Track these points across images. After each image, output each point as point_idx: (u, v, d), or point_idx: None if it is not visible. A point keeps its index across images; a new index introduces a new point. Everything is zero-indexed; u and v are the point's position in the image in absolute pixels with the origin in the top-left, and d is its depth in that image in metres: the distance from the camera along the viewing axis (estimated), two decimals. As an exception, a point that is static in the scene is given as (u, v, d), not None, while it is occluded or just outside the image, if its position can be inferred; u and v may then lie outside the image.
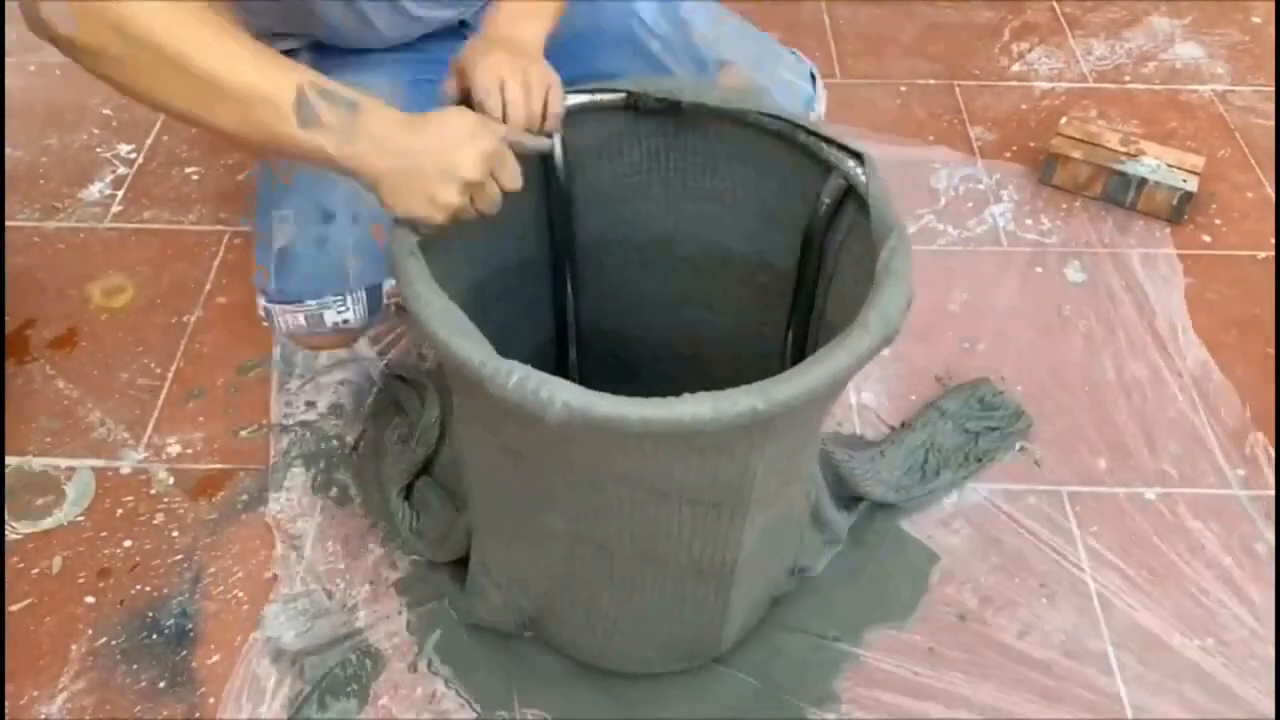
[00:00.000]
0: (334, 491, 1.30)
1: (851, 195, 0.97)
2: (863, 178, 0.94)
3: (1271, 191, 1.73)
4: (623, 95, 1.02)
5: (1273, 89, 1.93)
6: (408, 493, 1.26)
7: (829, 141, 0.97)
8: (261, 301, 1.14)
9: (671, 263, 1.16)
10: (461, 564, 1.17)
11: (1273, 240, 1.65)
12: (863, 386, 1.43)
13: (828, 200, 0.98)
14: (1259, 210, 1.70)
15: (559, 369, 1.21)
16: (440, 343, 0.81)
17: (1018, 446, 1.36)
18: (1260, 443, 1.37)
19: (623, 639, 1.08)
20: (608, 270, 1.17)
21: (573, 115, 1.02)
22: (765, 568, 1.08)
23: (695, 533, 0.92)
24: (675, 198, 1.11)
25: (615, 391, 0.77)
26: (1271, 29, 2.08)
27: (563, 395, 0.76)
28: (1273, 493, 1.31)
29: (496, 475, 0.98)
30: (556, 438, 0.81)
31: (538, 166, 1.03)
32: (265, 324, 1.16)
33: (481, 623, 1.16)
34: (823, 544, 1.22)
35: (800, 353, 1.11)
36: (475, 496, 1.05)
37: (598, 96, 1.03)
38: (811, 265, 1.04)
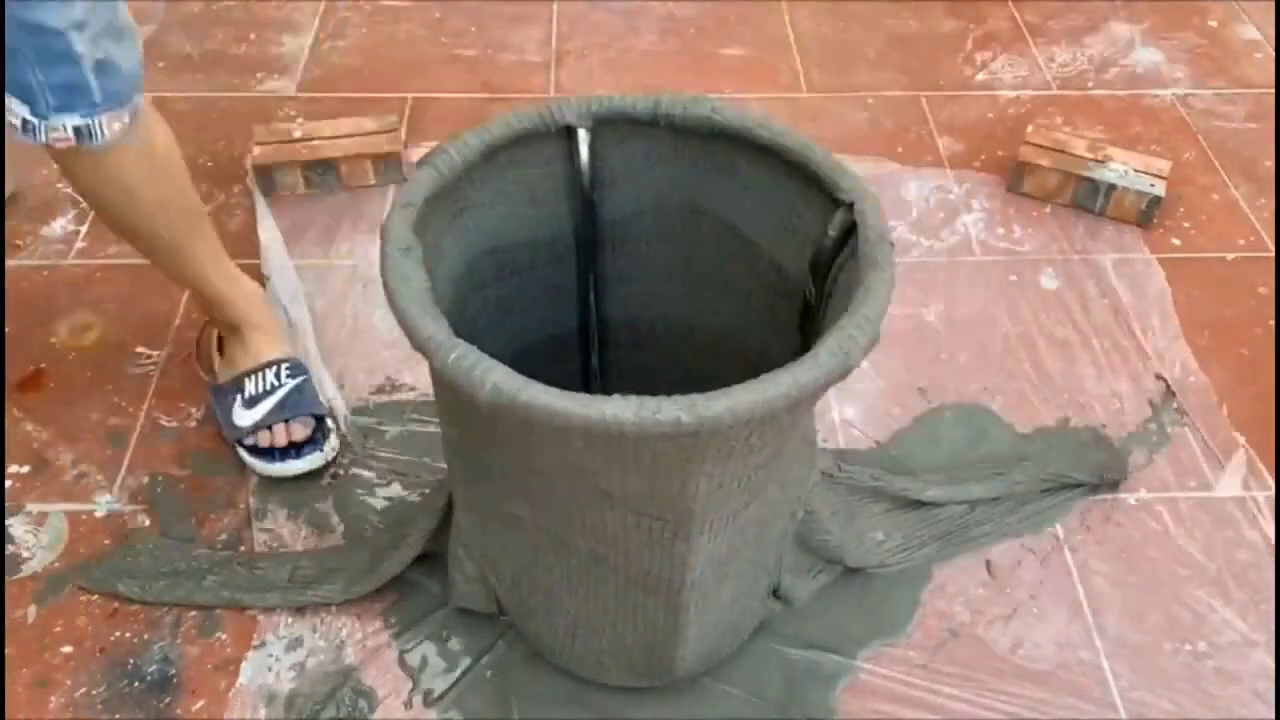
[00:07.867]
0: (315, 522, 1.28)
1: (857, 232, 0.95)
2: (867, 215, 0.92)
3: (1236, 193, 1.75)
4: (651, 106, 1.01)
5: (1232, 91, 1.96)
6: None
7: (843, 174, 0.95)
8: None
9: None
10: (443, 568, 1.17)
11: (1241, 241, 1.67)
12: (845, 402, 1.43)
13: (834, 234, 0.97)
14: (1225, 212, 1.72)
15: (583, 372, 1.23)
16: (400, 313, 0.81)
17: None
18: (1239, 443, 1.38)
19: (582, 641, 1.08)
20: (627, 250, 1.15)
21: (603, 123, 1.01)
22: (730, 594, 1.06)
23: (642, 544, 0.91)
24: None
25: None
26: (1227, 32, 2.11)
27: (494, 377, 0.76)
28: (1256, 494, 1.32)
29: (469, 456, 0.98)
30: (490, 420, 0.81)
31: (565, 163, 1.03)
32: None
33: (460, 602, 1.16)
34: (808, 571, 1.20)
35: None
36: (454, 471, 1.05)
37: (627, 104, 1.01)
38: (819, 292, 1.03)
